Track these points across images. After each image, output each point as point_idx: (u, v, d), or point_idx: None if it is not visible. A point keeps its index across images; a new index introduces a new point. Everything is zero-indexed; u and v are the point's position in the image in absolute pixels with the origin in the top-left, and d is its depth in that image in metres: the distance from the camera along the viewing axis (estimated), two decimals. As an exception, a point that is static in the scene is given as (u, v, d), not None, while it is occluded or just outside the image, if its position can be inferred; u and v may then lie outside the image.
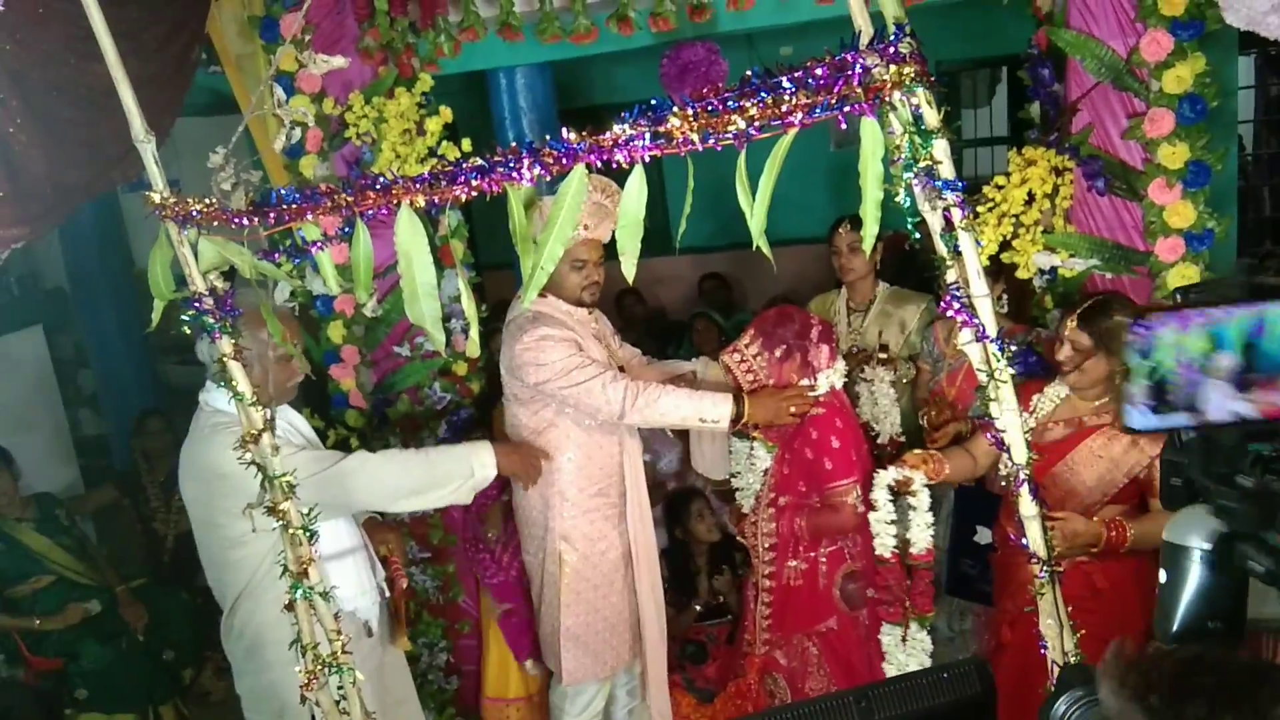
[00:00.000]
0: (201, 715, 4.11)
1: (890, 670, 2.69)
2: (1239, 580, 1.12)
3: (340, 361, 3.39)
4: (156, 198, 1.52)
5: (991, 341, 1.42)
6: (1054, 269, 3.04)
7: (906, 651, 2.68)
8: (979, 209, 2.97)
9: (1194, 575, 1.12)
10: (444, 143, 3.20)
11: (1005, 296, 3.22)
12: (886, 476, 2.59)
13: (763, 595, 2.88)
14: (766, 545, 2.84)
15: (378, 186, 1.41)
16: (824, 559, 2.81)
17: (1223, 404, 1.03)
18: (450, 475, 2.45)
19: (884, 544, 2.63)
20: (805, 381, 2.73)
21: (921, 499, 2.57)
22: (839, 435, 2.75)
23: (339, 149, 3.24)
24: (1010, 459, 1.46)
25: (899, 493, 2.60)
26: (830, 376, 2.75)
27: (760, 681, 2.95)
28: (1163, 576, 1.14)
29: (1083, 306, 2.52)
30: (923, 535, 2.59)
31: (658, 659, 2.96)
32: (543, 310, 2.70)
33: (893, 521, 2.61)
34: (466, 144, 3.05)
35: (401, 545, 2.72)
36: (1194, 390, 1.05)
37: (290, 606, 1.77)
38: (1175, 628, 1.11)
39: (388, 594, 2.63)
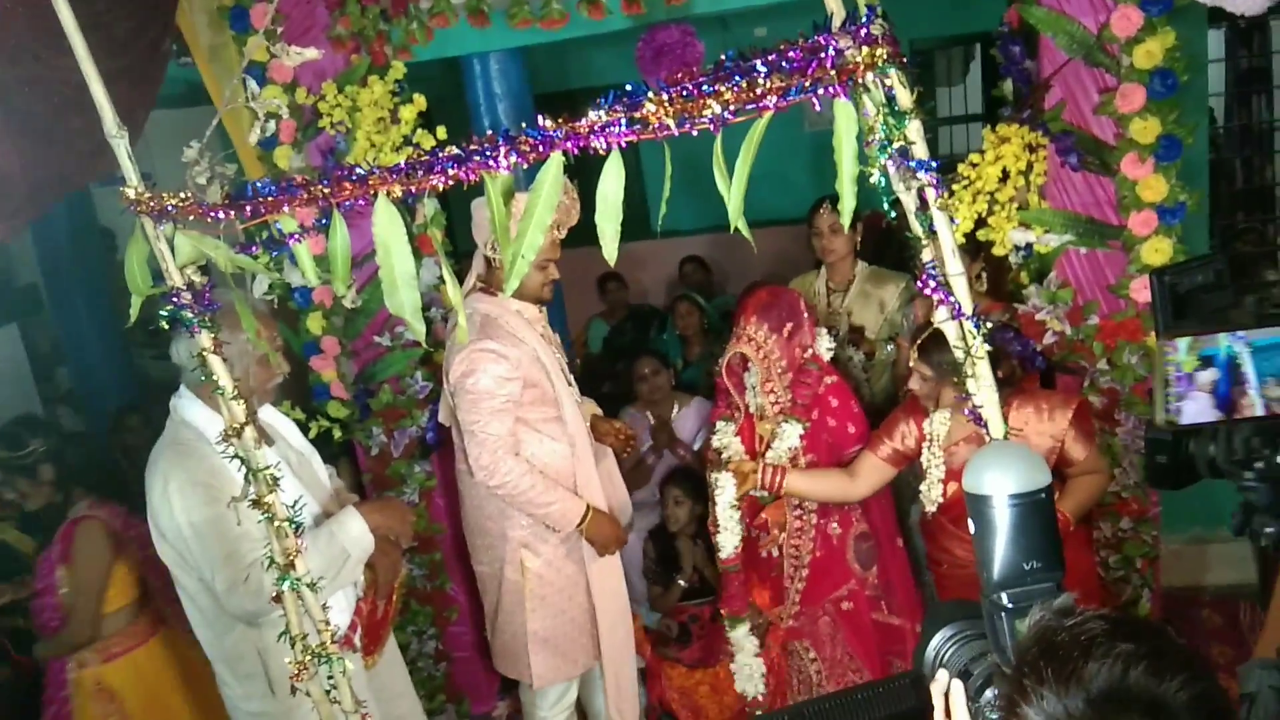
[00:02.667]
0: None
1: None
2: (1044, 516, 1.12)
3: (320, 353, 3.39)
4: (131, 193, 1.51)
5: (967, 319, 1.43)
6: (1029, 245, 3.07)
7: (737, 649, 2.96)
8: (954, 187, 2.99)
9: (999, 522, 1.11)
10: (419, 130, 3.19)
11: (984, 274, 3.25)
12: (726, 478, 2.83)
13: (800, 570, 2.90)
14: (811, 523, 2.87)
15: (354, 177, 1.41)
16: (835, 524, 2.86)
17: (1199, 415, 1.08)
18: (332, 560, 2.25)
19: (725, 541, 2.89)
20: (812, 351, 2.83)
21: (720, 509, 2.84)
22: (854, 400, 2.87)
23: (313, 139, 3.22)
24: (988, 434, 1.48)
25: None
26: (823, 344, 2.87)
27: (784, 654, 2.97)
28: (971, 528, 1.14)
29: (920, 339, 2.55)
30: (728, 541, 2.85)
31: (618, 659, 2.94)
32: (492, 313, 2.66)
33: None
34: (442, 131, 3.05)
35: (385, 576, 2.51)
36: (1182, 401, 1.08)
37: (278, 598, 1.77)
38: (996, 575, 1.11)
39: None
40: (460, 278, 3.82)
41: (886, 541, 2.91)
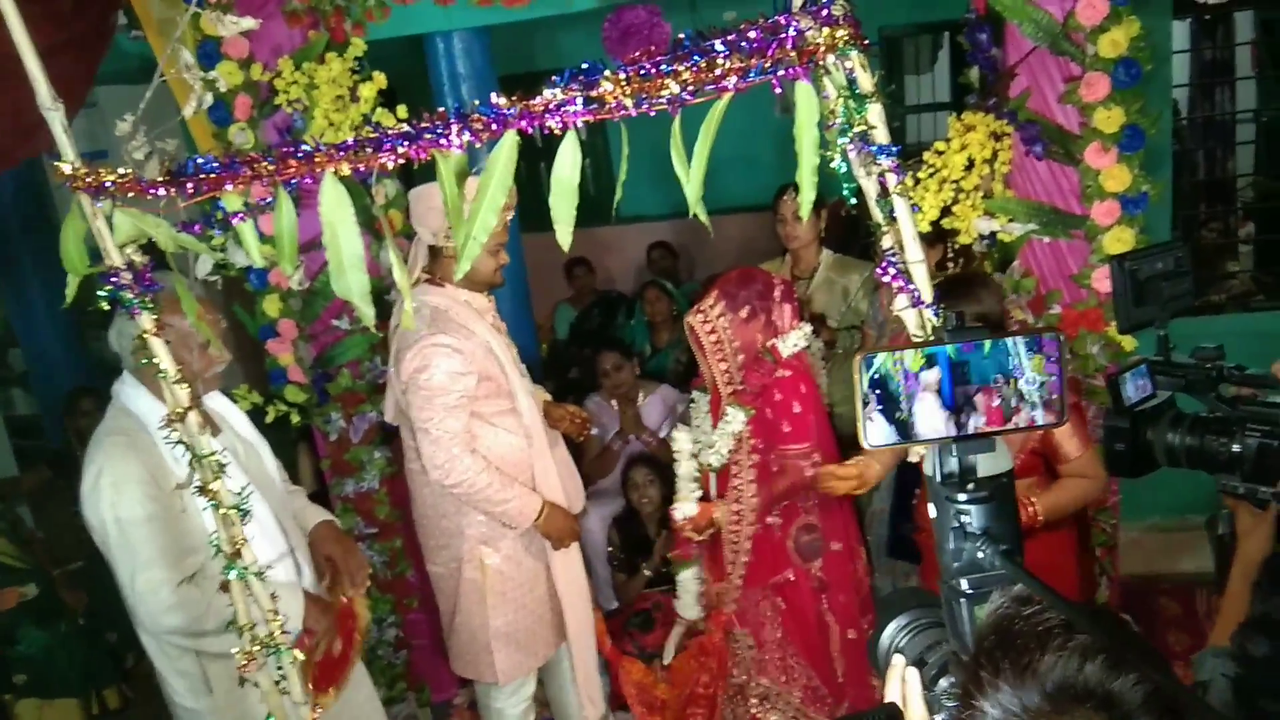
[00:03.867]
0: (145, 697, 4.03)
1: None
2: (1005, 502, 1.11)
3: (277, 336, 3.31)
4: (67, 168, 1.44)
5: (927, 307, 1.41)
6: (993, 234, 3.07)
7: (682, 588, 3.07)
8: (920, 175, 2.98)
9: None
10: (379, 109, 3.13)
11: (955, 262, 3.25)
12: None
13: (741, 555, 2.89)
14: (750, 506, 2.85)
15: (299, 154, 1.36)
16: (778, 513, 2.85)
17: (930, 420, 1.05)
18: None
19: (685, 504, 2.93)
20: (771, 342, 2.76)
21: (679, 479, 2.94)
22: (801, 400, 2.78)
23: (269, 116, 3.15)
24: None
25: None
26: (794, 338, 2.78)
27: (725, 638, 2.97)
28: (932, 512, 1.13)
29: (942, 281, 2.57)
30: (684, 508, 2.91)
31: (585, 647, 2.93)
32: (440, 305, 2.59)
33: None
34: (402, 110, 2.98)
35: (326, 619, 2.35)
36: (913, 402, 1.05)
37: (225, 587, 1.73)
38: (955, 560, 1.11)
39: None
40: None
41: (829, 539, 2.87)
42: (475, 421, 2.63)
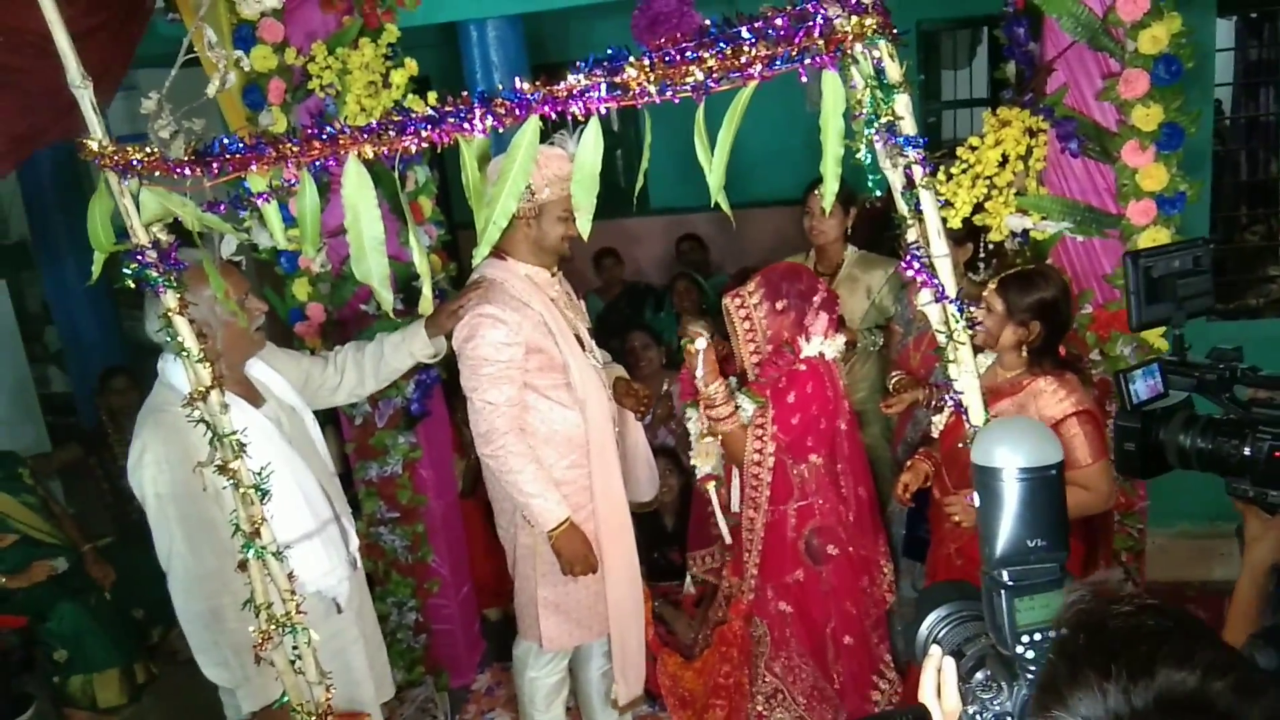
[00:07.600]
0: (171, 673, 4.10)
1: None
2: (1053, 494, 1.09)
3: (306, 319, 3.33)
4: (95, 145, 1.46)
5: (951, 302, 1.39)
6: (1025, 231, 3.02)
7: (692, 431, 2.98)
8: (953, 171, 2.94)
9: (1007, 496, 1.06)
10: (410, 96, 3.13)
11: (989, 262, 3.20)
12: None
13: (756, 544, 2.87)
14: (767, 494, 2.83)
15: (324, 136, 1.36)
16: (793, 513, 2.82)
17: None
18: None
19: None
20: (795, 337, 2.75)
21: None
22: (800, 395, 2.75)
23: (302, 101, 3.16)
24: (968, 421, 1.45)
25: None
26: (822, 344, 2.77)
27: (746, 627, 2.95)
28: (976, 500, 1.11)
29: (1007, 273, 2.55)
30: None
31: (627, 627, 2.91)
32: (498, 278, 2.60)
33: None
34: (433, 97, 2.98)
35: None
36: None
37: (243, 566, 1.74)
38: (998, 551, 1.07)
39: (359, 564, 2.52)
40: (454, 250, 3.78)
41: (828, 543, 2.84)
42: (530, 394, 2.64)
